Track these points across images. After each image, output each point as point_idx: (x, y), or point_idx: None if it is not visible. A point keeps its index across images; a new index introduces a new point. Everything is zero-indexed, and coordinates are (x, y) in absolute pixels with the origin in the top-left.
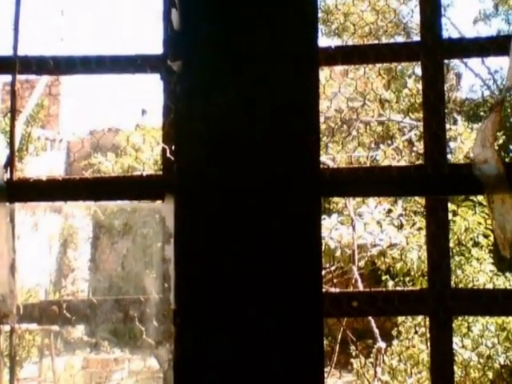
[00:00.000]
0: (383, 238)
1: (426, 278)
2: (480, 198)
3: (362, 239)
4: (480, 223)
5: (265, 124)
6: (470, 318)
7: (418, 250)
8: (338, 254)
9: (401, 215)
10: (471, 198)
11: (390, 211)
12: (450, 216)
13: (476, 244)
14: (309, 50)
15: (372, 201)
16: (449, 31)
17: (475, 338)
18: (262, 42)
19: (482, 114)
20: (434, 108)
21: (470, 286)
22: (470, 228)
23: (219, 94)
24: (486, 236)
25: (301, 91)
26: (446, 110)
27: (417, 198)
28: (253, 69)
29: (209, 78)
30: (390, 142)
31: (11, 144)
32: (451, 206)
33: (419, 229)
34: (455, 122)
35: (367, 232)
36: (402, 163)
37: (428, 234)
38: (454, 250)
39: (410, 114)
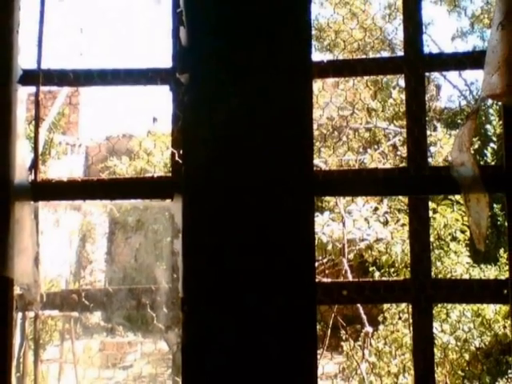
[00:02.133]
0: (370, 233)
1: (409, 269)
2: (457, 197)
3: (351, 234)
4: (457, 220)
5: (264, 130)
6: (449, 305)
7: (402, 244)
8: (329, 247)
9: (386, 213)
10: (450, 197)
11: (376, 209)
12: (431, 213)
13: (454, 239)
14: (303, 63)
15: (360, 200)
16: (429, 47)
17: (453, 323)
18: (261, 57)
19: (459, 121)
20: (416, 116)
21: (448, 276)
22: (449, 224)
23: (222, 104)
24: (462, 231)
25: (296, 101)
26: (426, 118)
27: (400, 197)
28: (253, 81)
29: (213, 89)
30: (376, 146)
31: (35, 149)
32: (431, 205)
33: (403, 225)
34: (435, 129)
35: (356, 228)
36: (388, 166)
37: (410, 230)
38: (434, 244)
39: (395, 121)
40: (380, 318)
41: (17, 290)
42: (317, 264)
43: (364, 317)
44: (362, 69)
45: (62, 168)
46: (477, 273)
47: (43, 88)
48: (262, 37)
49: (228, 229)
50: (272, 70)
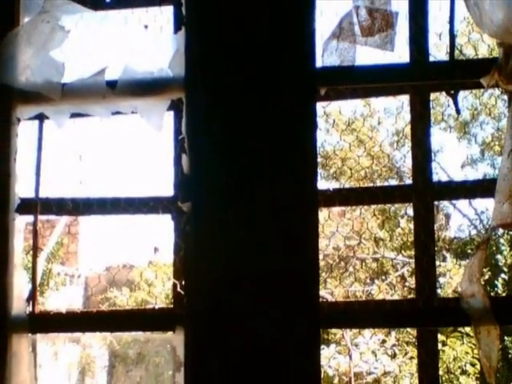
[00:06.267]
0: (378, 366)
1: None
2: (467, 329)
3: (358, 367)
4: (467, 353)
5: (269, 261)
6: None
7: (410, 378)
8: (335, 381)
9: (394, 345)
10: (459, 329)
11: (384, 341)
12: (440, 346)
13: (464, 372)
14: (309, 192)
15: (367, 332)
16: (438, 175)
17: None
18: (266, 188)
19: (469, 251)
20: (425, 246)
21: None
22: (458, 357)
23: (225, 236)
24: (473, 364)
25: (302, 230)
26: (435, 248)
27: (409, 329)
28: (258, 211)
29: (217, 219)
30: (384, 277)
31: (33, 279)
32: (441, 337)
33: (411, 358)
34: (444, 259)
35: (363, 361)
36: (396, 297)
37: (419, 363)
38: (444, 378)
39: (403, 251)
40: None
41: None
42: None
43: None
44: (369, 197)
45: (61, 299)
46: None
47: (41, 217)
48: (266, 171)
49: (233, 362)
50: (277, 199)
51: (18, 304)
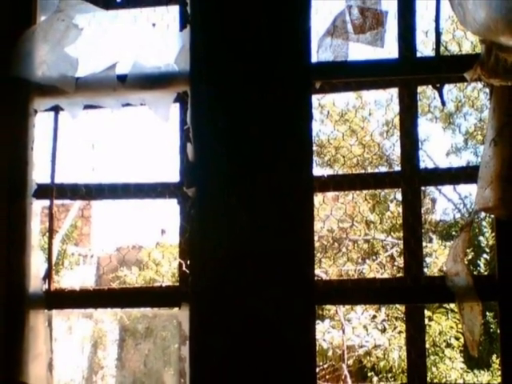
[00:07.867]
0: (369, 339)
1: (406, 374)
2: (452, 305)
3: (350, 341)
4: (452, 327)
5: (268, 243)
6: None
7: (399, 350)
8: (329, 353)
9: (384, 320)
10: (444, 305)
11: (374, 317)
12: (426, 321)
13: (448, 345)
14: (305, 178)
15: (359, 308)
16: (425, 162)
17: None
18: (264, 179)
19: (453, 233)
20: (413, 228)
21: (443, 381)
22: (444, 331)
23: (227, 219)
24: (457, 338)
25: (298, 214)
26: (422, 230)
27: (398, 305)
28: (258, 196)
29: (219, 204)
30: (374, 257)
31: (49, 259)
32: (427, 313)
33: (400, 332)
34: (431, 241)
35: (355, 335)
36: (385, 276)
37: (407, 337)
38: (430, 351)
39: (392, 233)
40: None
41: None
42: (318, 369)
43: None
44: (361, 183)
45: (75, 278)
46: (470, 378)
47: (56, 201)
48: (266, 158)
49: (234, 335)
50: (276, 185)
51: (35, 282)
